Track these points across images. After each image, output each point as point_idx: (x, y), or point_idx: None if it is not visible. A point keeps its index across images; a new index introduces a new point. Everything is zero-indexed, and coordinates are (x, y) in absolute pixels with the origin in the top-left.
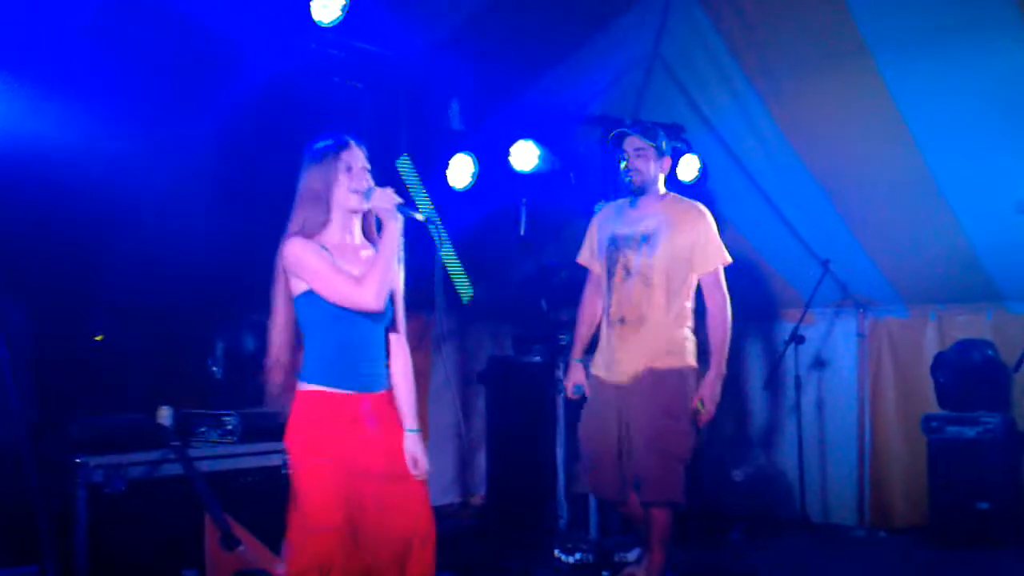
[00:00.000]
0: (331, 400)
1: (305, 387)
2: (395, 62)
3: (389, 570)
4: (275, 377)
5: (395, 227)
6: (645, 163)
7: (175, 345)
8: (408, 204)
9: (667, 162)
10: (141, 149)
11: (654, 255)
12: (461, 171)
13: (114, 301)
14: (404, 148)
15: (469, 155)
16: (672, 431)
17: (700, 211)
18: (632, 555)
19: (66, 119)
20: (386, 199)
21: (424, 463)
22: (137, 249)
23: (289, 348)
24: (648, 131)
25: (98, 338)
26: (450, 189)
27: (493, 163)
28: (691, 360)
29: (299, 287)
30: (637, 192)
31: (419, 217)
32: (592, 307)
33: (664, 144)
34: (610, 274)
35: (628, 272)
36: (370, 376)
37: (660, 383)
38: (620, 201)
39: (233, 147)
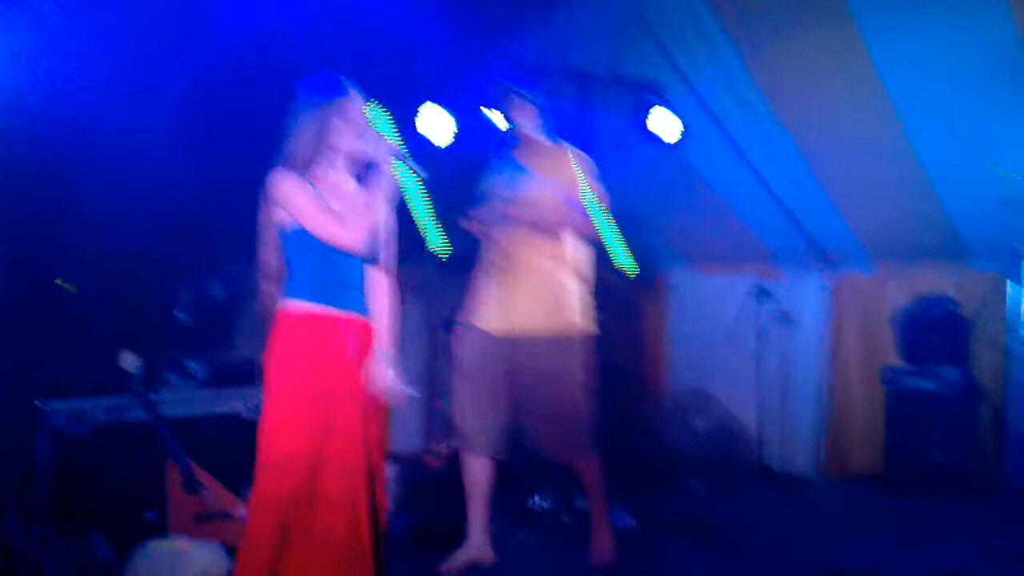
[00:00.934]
0: (313, 318)
1: (287, 305)
2: (370, 10)
3: (349, 496)
4: (269, 305)
5: (390, 174)
6: (516, 112)
7: (141, 291)
8: (403, 155)
9: (534, 112)
10: (110, 93)
11: (529, 204)
12: (439, 126)
13: (80, 246)
14: (378, 98)
15: (446, 109)
16: (566, 390)
17: (566, 152)
18: None
19: (37, 61)
20: (383, 146)
21: (389, 383)
22: (104, 194)
23: (277, 277)
24: (518, 83)
25: (63, 283)
26: (422, 140)
27: (469, 117)
28: (578, 317)
29: (284, 219)
30: (515, 143)
31: (415, 168)
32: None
33: (532, 96)
34: (495, 229)
35: (510, 225)
36: (350, 299)
37: (550, 342)
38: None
39: (203, 93)
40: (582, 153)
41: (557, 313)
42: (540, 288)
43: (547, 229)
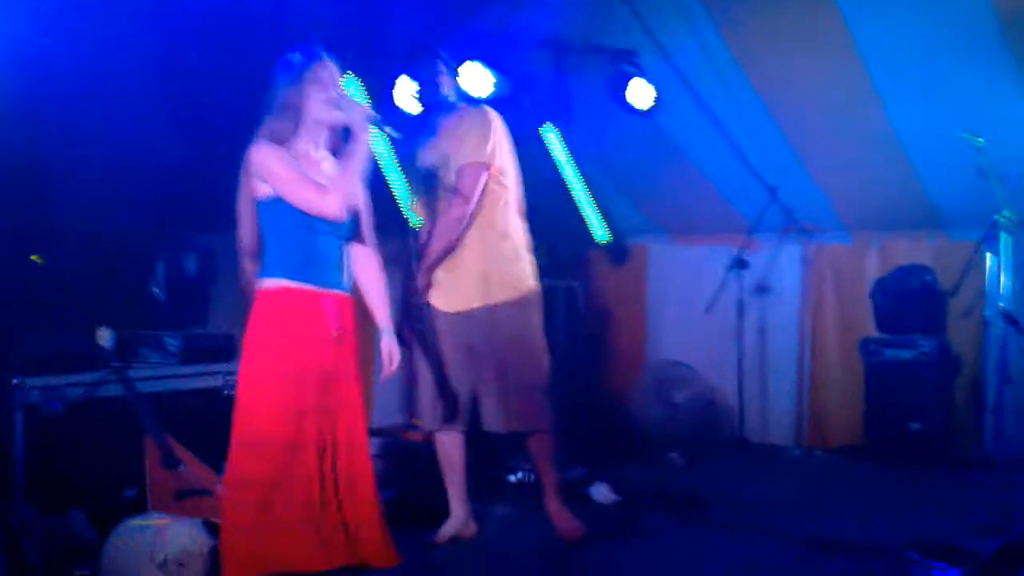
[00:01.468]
0: (293, 294)
1: (265, 283)
2: None
3: (343, 474)
4: (249, 285)
5: (366, 139)
6: (441, 79)
7: (116, 266)
8: (379, 119)
9: (451, 76)
10: (83, 67)
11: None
12: (411, 95)
13: (54, 222)
14: (353, 69)
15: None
16: (527, 360)
17: (473, 114)
18: (576, 473)
19: (9, 37)
20: (359, 111)
21: (397, 360)
22: (78, 169)
23: (256, 254)
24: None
25: (36, 259)
26: (400, 111)
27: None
28: (528, 285)
29: (262, 191)
30: (443, 108)
31: (391, 133)
32: None
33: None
34: (429, 203)
35: (442, 197)
36: (329, 276)
37: (501, 313)
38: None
39: (177, 67)
40: (486, 108)
41: (508, 285)
42: (488, 262)
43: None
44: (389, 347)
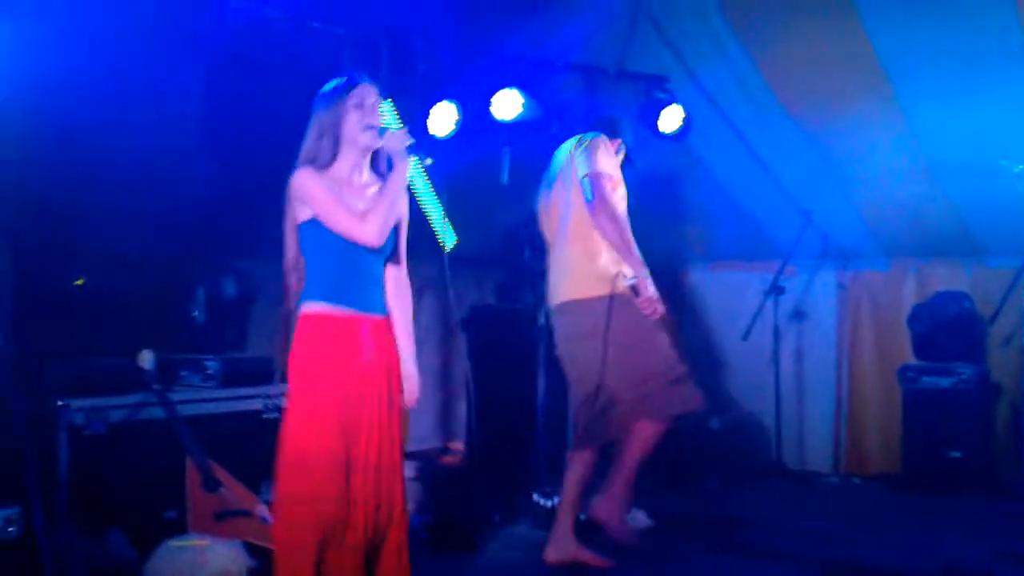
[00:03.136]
0: (332, 321)
1: (306, 308)
2: (376, 7)
3: (374, 496)
4: (289, 309)
5: (405, 168)
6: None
7: (157, 289)
8: (418, 147)
9: None
10: (125, 93)
11: None
12: (444, 119)
13: (96, 245)
14: (386, 94)
15: (452, 103)
16: None
17: None
18: None
19: (50, 62)
20: (398, 139)
21: (417, 388)
22: (120, 193)
23: (301, 276)
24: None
25: (79, 282)
26: (432, 136)
27: (476, 111)
28: None
29: (303, 214)
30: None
31: (428, 162)
32: None
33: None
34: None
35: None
36: (368, 299)
37: None
38: None
39: (215, 93)
40: None
41: None
42: None
43: None
44: (411, 374)
